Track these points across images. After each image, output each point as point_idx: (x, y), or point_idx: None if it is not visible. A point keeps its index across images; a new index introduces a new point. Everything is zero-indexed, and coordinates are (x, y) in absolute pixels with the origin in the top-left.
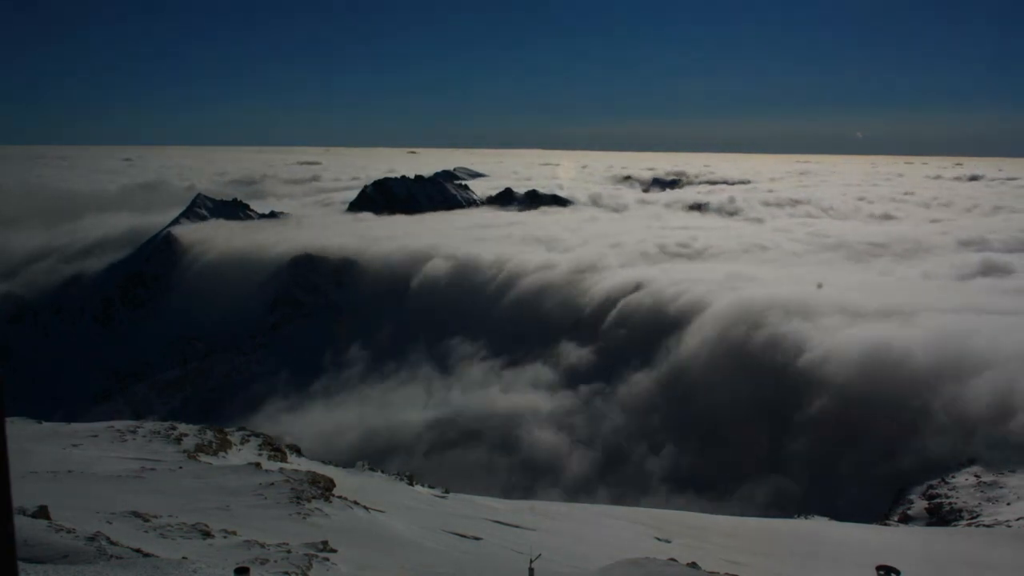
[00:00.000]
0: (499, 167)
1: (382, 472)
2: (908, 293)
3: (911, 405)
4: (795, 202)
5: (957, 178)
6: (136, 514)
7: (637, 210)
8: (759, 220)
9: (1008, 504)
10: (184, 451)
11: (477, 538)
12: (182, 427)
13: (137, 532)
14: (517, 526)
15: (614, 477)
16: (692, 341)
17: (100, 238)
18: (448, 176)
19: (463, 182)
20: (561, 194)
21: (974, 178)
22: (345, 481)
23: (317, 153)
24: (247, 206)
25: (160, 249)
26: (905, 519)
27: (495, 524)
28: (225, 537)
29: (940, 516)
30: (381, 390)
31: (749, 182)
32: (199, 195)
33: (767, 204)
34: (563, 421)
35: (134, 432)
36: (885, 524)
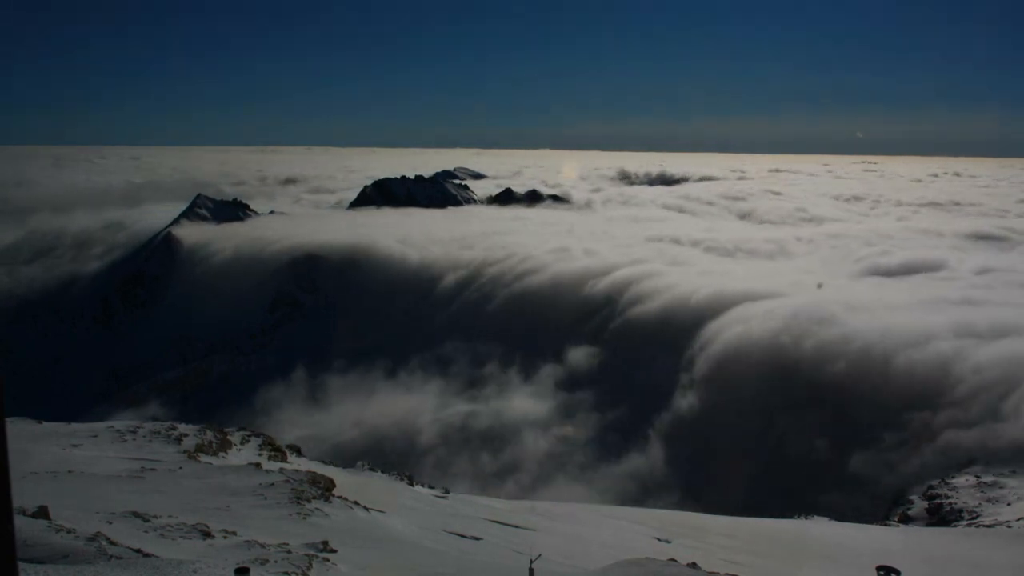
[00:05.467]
0: (499, 167)
1: (382, 472)
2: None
3: (910, 405)
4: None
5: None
6: (136, 514)
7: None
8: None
9: (1008, 504)
10: (184, 451)
11: (477, 538)
12: (182, 427)
13: (137, 532)
14: (517, 526)
15: (612, 478)
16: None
17: (99, 237)
18: (448, 176)
19: (463, 182)
20: (559, 193)
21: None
22: (345, 481)
23: (317, 153)
24: (247, 206)
25: (160, 249)
26: (905, 519)
27: (495, 524)
28: (225, 537)
29: (940, 516)
30: (381, 390)
31: (716, 179)
32: (199, 195)
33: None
34: (562, 423)
35: (134, 432)
36: (885, 524)
